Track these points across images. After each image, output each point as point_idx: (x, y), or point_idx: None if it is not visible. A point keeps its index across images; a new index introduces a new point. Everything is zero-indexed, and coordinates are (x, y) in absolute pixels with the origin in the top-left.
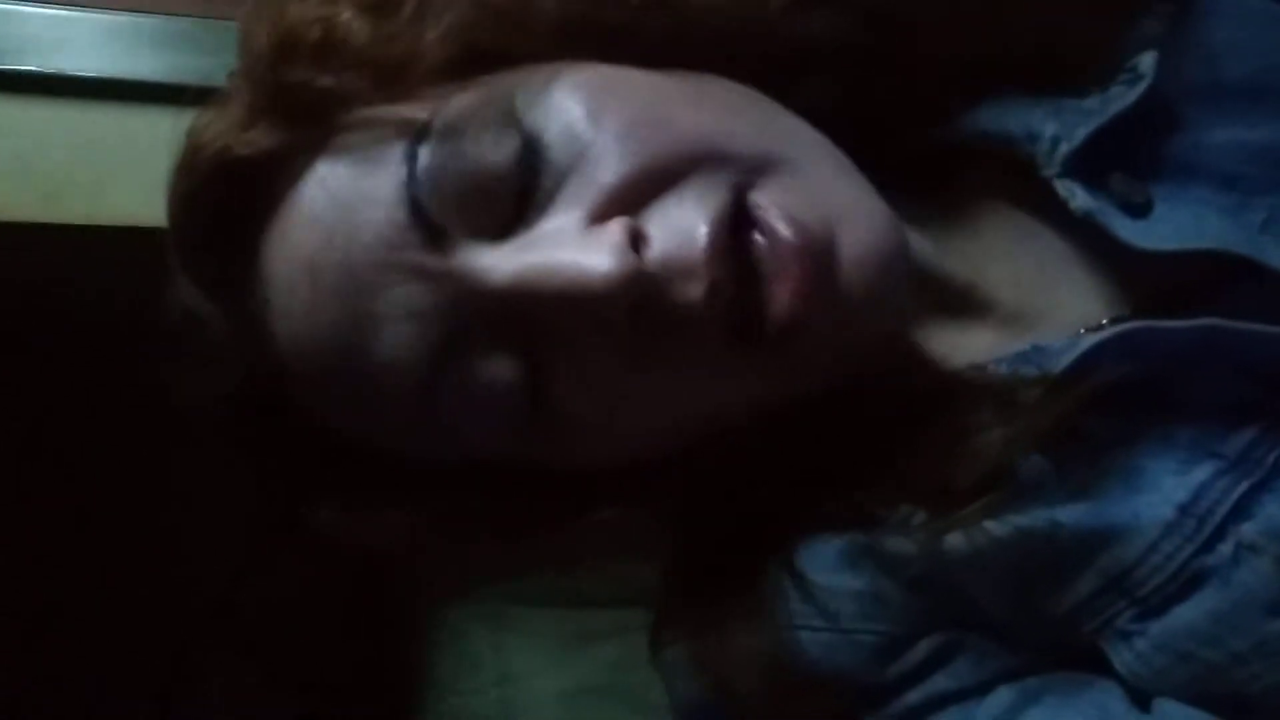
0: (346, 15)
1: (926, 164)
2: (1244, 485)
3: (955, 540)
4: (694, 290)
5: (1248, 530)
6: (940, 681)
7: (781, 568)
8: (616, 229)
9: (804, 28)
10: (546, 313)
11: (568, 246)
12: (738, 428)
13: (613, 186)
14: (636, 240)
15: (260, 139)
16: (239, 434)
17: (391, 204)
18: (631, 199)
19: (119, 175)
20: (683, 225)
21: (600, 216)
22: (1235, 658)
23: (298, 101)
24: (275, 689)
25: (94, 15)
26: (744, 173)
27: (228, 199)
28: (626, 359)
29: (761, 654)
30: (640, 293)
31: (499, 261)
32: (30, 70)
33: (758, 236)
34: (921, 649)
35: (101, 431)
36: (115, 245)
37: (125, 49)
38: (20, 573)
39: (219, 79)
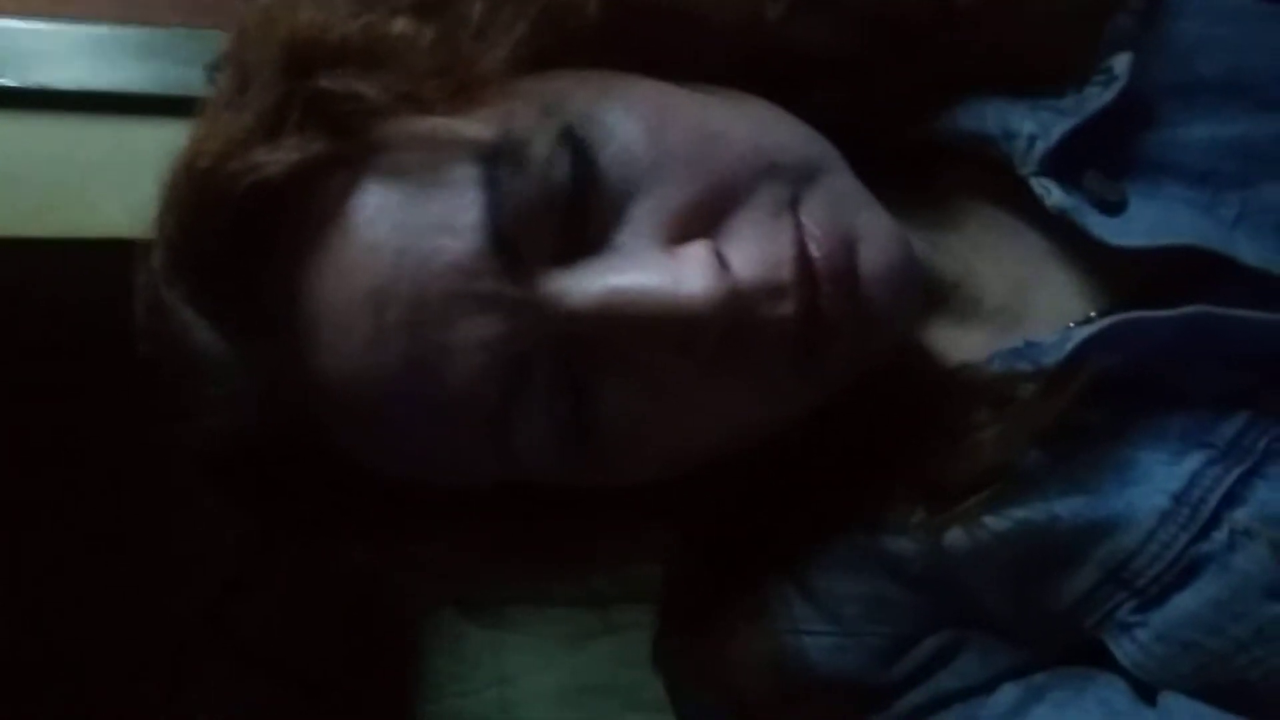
0: (401, 20)
1: (907, 162)
2: (1236, 472)
3: (955, 537)
4: (785, 308)
5: (1242, 516)
6: (944, 680)
7: (784, 572)
8: (703, 252)
9: (800, 37)
10: (626, 334)
11: (653, 268)
12: (764, 438)
13: (684, 206)
14: (721, 262)
15: (289, 155)
16: (260, 481)
17: (470, 231)
18: (703, 218)
19: (104, 188)
20: (765, 247)
21: (676, 237)
22: (1237, 644)
23: (335, 113)
24: (273, 690)
25: (72, 27)
26: (795, 183)
27: (250, 222)
28: (695, 378)
29: (765, 659)
30: (732, 313)
31: (578, 285)
32: (11, 85)
33: (814, 254)
34: (925, 648)
35: (93, 441)
36: (102, 258)
37: (105, 61)
38: (14, 579)
39: (202, 89)
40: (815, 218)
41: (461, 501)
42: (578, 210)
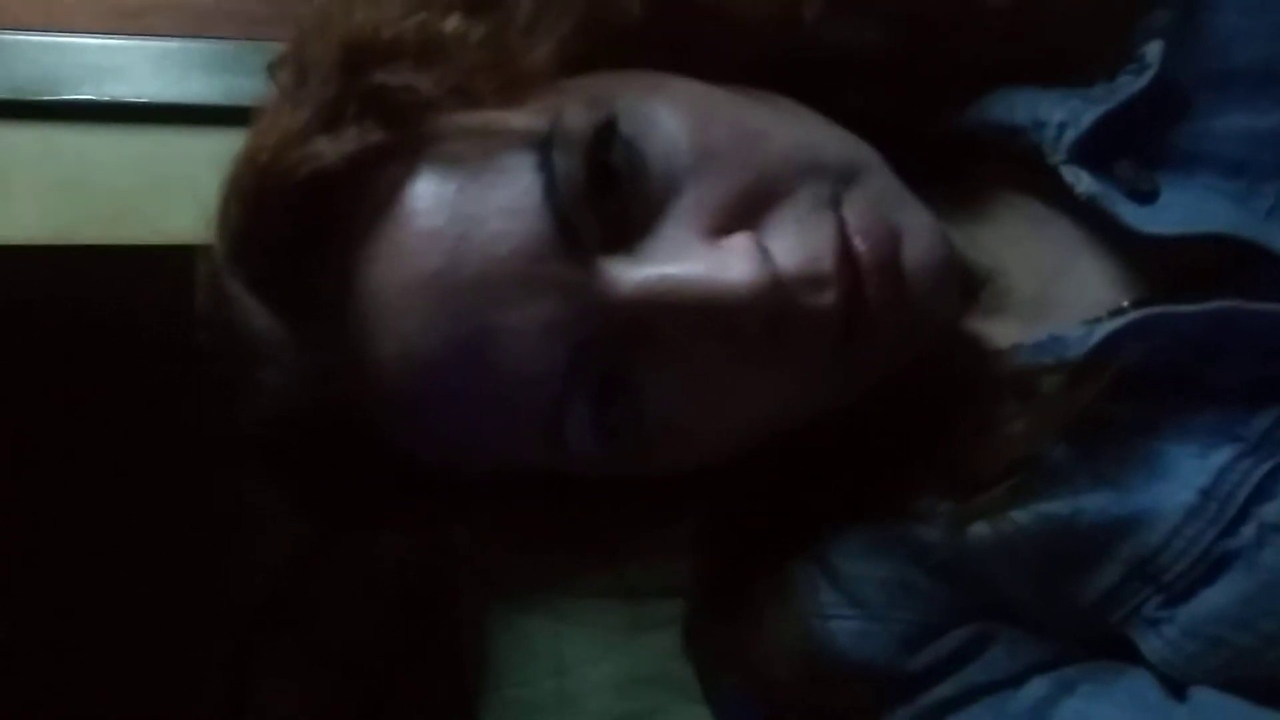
0: (452, 18)
1: (938, 155)
2: (1265, 467)
3: (980, 528)
4: (826, 299)
5: (1270, 511)
6: (972, 674)
7: (810, 557)
8: (747, 242)
9: (835, 37)
10: (671, 322)
11: (698, 258)
12: (798, 426)
13: (727, 200)
14: (763, 253)
15: (346, 145)
16: (304, 461)
17: (532, 215)
18: (746, 212)
19: (175, 196)
20: (807, 239)
21: (720, 230)
22: (1266, 640)
23: (391, 105)
24: (335, 680)
25: (145, 42)
26: (835, 183)
27: (308, 210)
28: (738, 367)
29: (792, 643)
30: (774, 302)
31: (626, 272)
32: (87, 98)
33: (858, 247)
34: (952, 640)
35: (157, 441)
36: (173, 264)
37: (177, 74)
38: (74, 572)
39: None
40: (857, 214)
41: (501, 489)
42: (625, 199)
